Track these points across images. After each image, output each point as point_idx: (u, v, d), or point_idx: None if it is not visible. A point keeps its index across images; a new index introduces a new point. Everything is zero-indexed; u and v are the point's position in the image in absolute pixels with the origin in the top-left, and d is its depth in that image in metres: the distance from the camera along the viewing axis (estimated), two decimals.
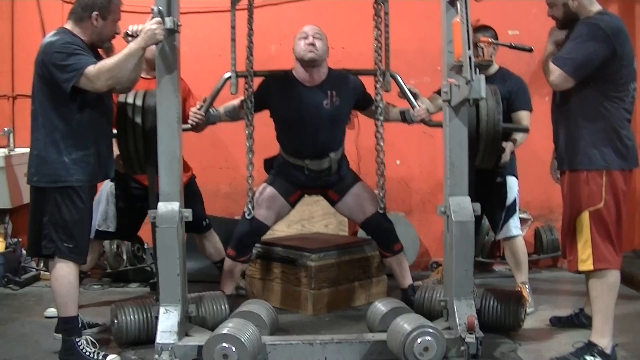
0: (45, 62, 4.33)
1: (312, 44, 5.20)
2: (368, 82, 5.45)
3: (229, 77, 5.29)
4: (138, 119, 4.62)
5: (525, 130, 5.30)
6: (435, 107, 5.57)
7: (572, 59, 4.20)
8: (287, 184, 5.48)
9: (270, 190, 5.45)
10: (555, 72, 4.22)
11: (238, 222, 5.52)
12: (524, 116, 5.55)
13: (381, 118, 5.25)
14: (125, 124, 4.63)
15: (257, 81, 5.36)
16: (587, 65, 4.18)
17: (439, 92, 5.54)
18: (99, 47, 4.60)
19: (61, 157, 4.38)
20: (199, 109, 5.18)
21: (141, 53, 4.32)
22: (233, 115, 5.41)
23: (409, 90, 5.33)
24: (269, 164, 5.66)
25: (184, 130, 4.94)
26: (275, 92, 5.36)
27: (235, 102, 5.38)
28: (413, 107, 5.27)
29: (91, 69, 4.23)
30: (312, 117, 5.27)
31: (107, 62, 4.27)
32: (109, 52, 4.67)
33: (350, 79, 5.44)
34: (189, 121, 5.16)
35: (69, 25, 4.50)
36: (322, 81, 5.34)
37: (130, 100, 4.67)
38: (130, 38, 4.48)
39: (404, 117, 5.41)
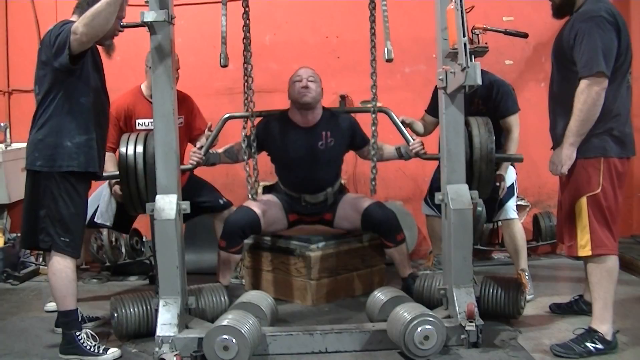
0: (46, 44, 4.35)
1: (306, 87, 5.34)
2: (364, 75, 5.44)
3: (228, 118, 5.38)
4: (140, 161, 4.62)
5: (519, 160, 5.28)
6: (430, 125, 5.63)
7: (592, 59, 4.09)
8: (287, 205, 5.63)
9: (274, 199, 5.62)
10: (594, 84, 4.09)
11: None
12: (513, 120, 5.55)
13: (375, 159, 5.36)
14: (127, 165, 4.63)
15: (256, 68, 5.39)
16: (610, 57, 4.12)
17: (428, 111, 5.58)
18: (100, 44, 4.57)
19: (65, 142, 4.38)
20: (199, 149, 5.24)
21: (119, 2, 4.21)
22: (232, 156, 5.51)
23: (402, 122, 5.40)
24: (267, 190, 5.81)
25: (184, 170, 5.05)
26: (270, 134, 5.49)
27: (235, 144, 5.47)
28: (408, 141, 5.34)
29: (75, 23, 4.22)
30: (308, 157, 5.43)
31: (86, 12, 4.23)
32: (110, 50, 4.65)
33: (344, 119, 5.60)
34: (190, 161, 5.24)
35: (74, 18, 4.49)
36: (317, 122, 5.48)
37: (132, 141, 4.67)
38: None
39: (400, 154, 5.51)
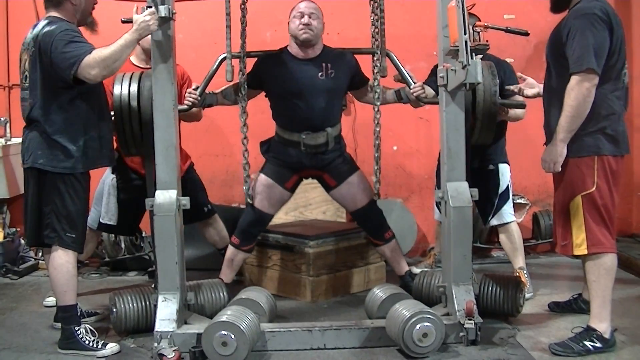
0: (46, 52, 4.29)
1: (307, 24, 5.18)
2: (365, 67, 5.43)
3: (225, 58, 5.24)
4: (134, 100, 4.59)
5: (522, 106, 5.26)
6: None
7: (583, 56, 4.10)
8: (282, 170, 5.43)
9: (265, 179, 5.41)
10: (584, 80, 4.10)
11: (235, 209, 5.51)
12: (519, 97, 5.54)
13: (378, 103, 5.22)
14: (120, 105, 4.59)
15: (252, 63, 5.37)
16: (601, 55, 4.12)
17: (428, 82, 5.51)
18: (83, 25, 4.59)
19: (68, 145, 4.37)
20: (194, 89, 5.15)
21: (136, 44, 4.33)
22: (230, 97, 5.34)
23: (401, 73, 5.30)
24: (265, 146, 5.58)
25: (181, 111, 4.93)
26: (269, 68, 5.34)
27: (233, 84, 5.34)
28: (409, 84, 5.22)
29: (88, 58, 4.20)
30: (308, 88, 5.24)
31: (102, 52, 4.22)
32: (93, 25, 4.65)
33: (345, 55, 5.41)
34: (185, 101, 5.09)
35: (53, 13, 4.47)
36: (317, 55, 5.32)
37: (125, 81, 4.64)
38: None
39: (399, 96, 5.36)
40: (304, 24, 5.17)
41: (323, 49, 5.36)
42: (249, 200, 5.30)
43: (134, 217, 5.70)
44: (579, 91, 4.10)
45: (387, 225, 5.53)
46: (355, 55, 5.44)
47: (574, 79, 4.12)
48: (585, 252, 4.29)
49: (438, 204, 5.87)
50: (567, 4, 4.36)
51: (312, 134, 5.28)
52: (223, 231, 5.93)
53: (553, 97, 4.40)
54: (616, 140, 4.26)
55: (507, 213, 5.66)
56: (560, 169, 4.29)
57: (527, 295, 5.26)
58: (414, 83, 5.20)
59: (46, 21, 4.42)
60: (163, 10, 4.28)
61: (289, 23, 5.30)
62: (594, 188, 4.25)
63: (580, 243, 4.31)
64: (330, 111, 5.35)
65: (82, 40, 4.33)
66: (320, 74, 5.26)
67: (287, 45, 5.38)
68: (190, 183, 5.50)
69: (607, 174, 4.26)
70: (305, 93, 5.24)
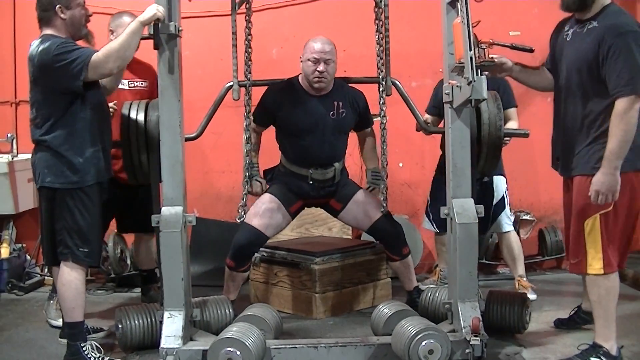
0: (47, 69, 4.31)
1: (323, 72, 5.17)
2: (369, 90, 5.45)
3: (231, 86, 5.26)
4: (142, 130, 4.64)
5: (526, 135, 5.27)
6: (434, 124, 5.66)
7: (634, 78, 3.99)
8: (289, 193, 5.44)
9: (271, 199, 5.39)
10: (635, 103, 3.99)
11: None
12: (512, 113, 5.73)
13: (385, 121, 5.24)
14: (128, 135, 4.65)
15: (258, 90, 5.39)
16: None
17: (429, 111, 5.55)
18: (79, 39, 4.60)
19: (74, 159, 4.40)
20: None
21: (142, 29, 4.29)
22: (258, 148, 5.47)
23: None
24: (269, 174, 5.62)
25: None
26: (280, 101, 5.34)
27: (255, 139, 5.43)
28: (417, 118, 5.28)
29: (97, 55, 4.23)
30: (319, 126, 5.29)
31: (111, 46, 4.27)
32: (89, 38, 4.68)
33: (356, 94, 5.47)
34: None
35: (47, 31, 4.49)
36: (329, 92, 5.34)
37: (133, 111, 4.69)
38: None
39: (367, 177, 5.62)
40: (319, 72, 5.17)
41: (335, 84, 5.37)
42: (244, 220, 5.24)
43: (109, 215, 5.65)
44: (632, 115, 4.01)
45: (405, 240, 5.55)
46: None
47: (624, 102, 4.00)
48: (601, 272, 4.24)
49: (427, 213, 5.96)
50: (585, 7, 4.24)
51: (321, 170, 5.35)
52: (153, 254, 5.69)
53: (575, 120, 4.32)
54: (637, 154, 4.17)
55: (504, 223, 5.77)
56: (618, 197, 4.15)
57: (531, 297, 5.25)
58: (422, 117, 5.31)
59: (39, 40, 4.43)
60: (170, 27, 4.30)
61: (302, 65, 5.27)
62: (611, 207, 4.18)
63: (595, 263, 4.24)
64: (338, 148, 5.45)
65: (79, 47, 4.37)
66: (331, 112, 5.31)
67: (299, 75, 5.37)
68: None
69: (628, 190, 4.18)
70: (316, 131, 5.29)
